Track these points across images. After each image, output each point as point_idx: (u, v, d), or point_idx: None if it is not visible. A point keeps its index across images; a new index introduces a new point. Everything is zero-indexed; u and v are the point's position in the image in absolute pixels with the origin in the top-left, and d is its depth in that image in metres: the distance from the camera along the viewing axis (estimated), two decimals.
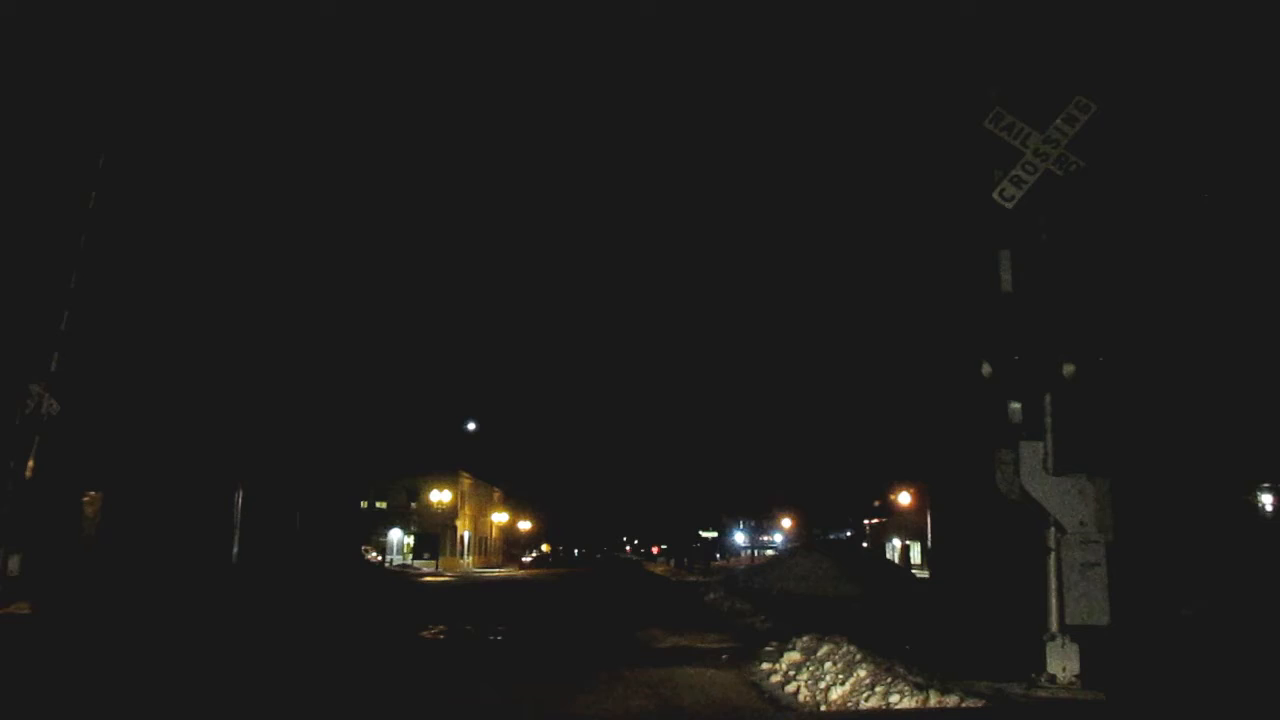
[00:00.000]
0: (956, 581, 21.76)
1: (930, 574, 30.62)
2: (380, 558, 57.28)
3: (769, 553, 58.20)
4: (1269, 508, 15.87)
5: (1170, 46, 13.99)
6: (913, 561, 43.81)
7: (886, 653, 9.76)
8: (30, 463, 16.52)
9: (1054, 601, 8.80)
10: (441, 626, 15.71)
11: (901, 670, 8.66)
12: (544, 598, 27.86)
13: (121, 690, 9.31)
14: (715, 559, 66.82)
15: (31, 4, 18.89)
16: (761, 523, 70.66)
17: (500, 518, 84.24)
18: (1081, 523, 8.82)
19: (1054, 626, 8.76)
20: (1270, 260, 13.89)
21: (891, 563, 39.39)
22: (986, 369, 9.27)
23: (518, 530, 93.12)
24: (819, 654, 9.95)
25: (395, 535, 65.79)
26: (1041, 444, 9.03)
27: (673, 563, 74.44)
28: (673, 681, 9.83)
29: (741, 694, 9.38)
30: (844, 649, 9.79)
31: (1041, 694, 8.49)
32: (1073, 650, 8.66)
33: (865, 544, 52.08)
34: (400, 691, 9.34)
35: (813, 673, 9.42)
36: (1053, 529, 8.96)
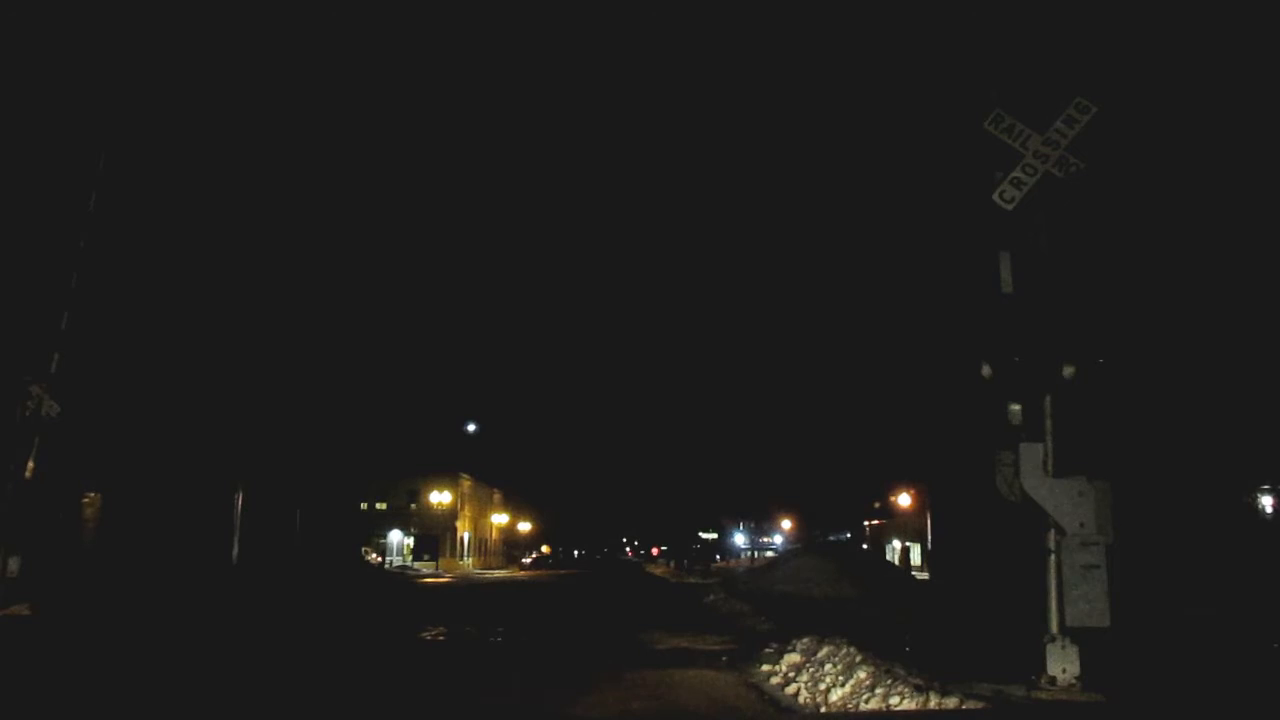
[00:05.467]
0: (956, 583, 21.74)
1: (930, 575, 30.60)
2: (380, 559, 57.26)
3: (769, 554, 58.19)
4: (1269, 509, 15.86)
5: (1170, 46, 13.99)
6: (913, 563, 43.75)
7: (886, 654, 9.75)
8: (30, 463, 16.51)
9: (1054, 603, 8.79)
10: (441, 628, 15.70)
11: (901, 672, 8.65)
12: (544, 599, 27.84)
13: (121, 691, 9.30)
14: (715, 560, 66.77)
15: (31, 4, 18.89)
16: (761, 524, 70.66)
17: (500, 519, 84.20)
18: (1081, 524, 8.80)
19: (1054, 628, 8.74)
20: (1270, 261, 13.89)
21: (891, 564, 39.35)
22: (986, 370, 9.26)
23: (518, 532, 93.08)
24: (819, 655, 9.94)
25: (395, 536, 65.76)
26: (1041, 446, 9.02)
27: (673, 564, 74.37)
28: (673, 683, 9.82)
29: (741, 696, 9.37)
30: (844, 650, 9.78)
31: (1041, 696, 8.47)
32: (1073, 652, 8.64)
33: (865, 545, 52.01)
34: (399, 693, 9.34)
35: (813, 674, 9.40)
36: (1053, 531, 8.95)
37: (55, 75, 19.37)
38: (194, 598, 20.04)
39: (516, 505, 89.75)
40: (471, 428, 63.49)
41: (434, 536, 66.40)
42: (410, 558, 65.09)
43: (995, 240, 9.54)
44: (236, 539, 27.08)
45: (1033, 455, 9.00)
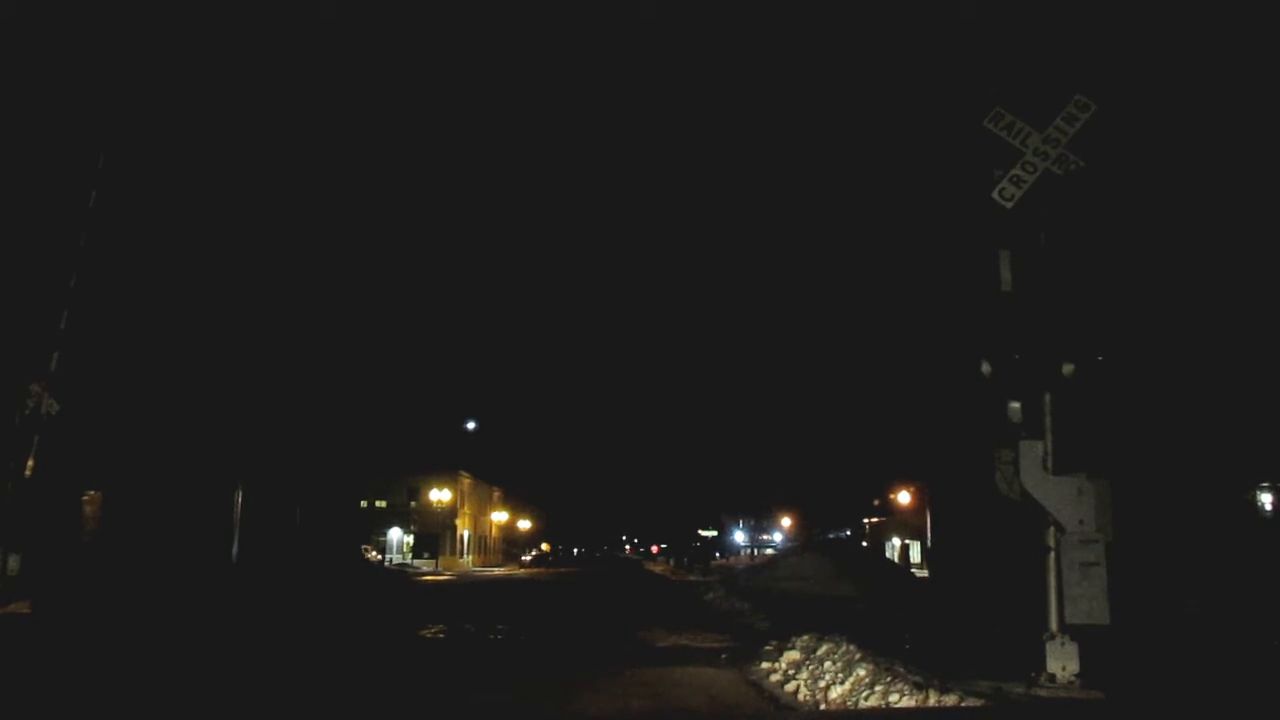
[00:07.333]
0: (956, 581, 21.77)
1: (930, 573, 30.63)
2: (380, 557, 57.24)
3: (768, 552, 58.24)
4: (1269, 507, 15.87)
5: (1170, 46, 13.99)
6: (912, 561, 43.80)
7: (886, 652, 9.76)
8: (30, 462, 16.52)
9: (1054, 601, 8.80)
10: (441, 626, 15.71)
11: (901, 669, 8.66)
12: (543, 597, 27.86)
13: (121, 690, 9.31)
14: (715, 558, 66.82)
15: (31, 4, 18.88)
16: (761, 522, 70.75)
17: (500, 517, 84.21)
18: (1081, 522, 8.82)
19: (1054, 626, 8.76)
20: (1270, 260, 13.89)
21: (891, 562, 39.36)
22: (986, 368, 9.27)
23: (517, 529, 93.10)
24: (818, 653, 9.95)
25: (395, 534, 65.78)
26: (1041, 443, 9.03)
27: (672, 562, 74.45)
28: (672, 681, 9.83)
29: (741, 693, 9.38)
30: (843, 648, 9.79)
31: (1041, 693, 8.49)
32: (1072, 649, 8.66)
33: (865, 543, 52.02)
34: (400, 691, 9.35)
35: (812, 672, 9.42)
36: (1052, 528, 8.96)
37: (55, 73, 19.36)
38: (194, 596, 20.04)
39: (516, 503, 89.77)
40: (471, 426, 63.53)
41: (434, 534, 66.40)
42: (410, 555, 65.10)
43: (995, 238, 9.55)
44: (236, 537, 27.07)
45: (1032, 453, 9.02)
